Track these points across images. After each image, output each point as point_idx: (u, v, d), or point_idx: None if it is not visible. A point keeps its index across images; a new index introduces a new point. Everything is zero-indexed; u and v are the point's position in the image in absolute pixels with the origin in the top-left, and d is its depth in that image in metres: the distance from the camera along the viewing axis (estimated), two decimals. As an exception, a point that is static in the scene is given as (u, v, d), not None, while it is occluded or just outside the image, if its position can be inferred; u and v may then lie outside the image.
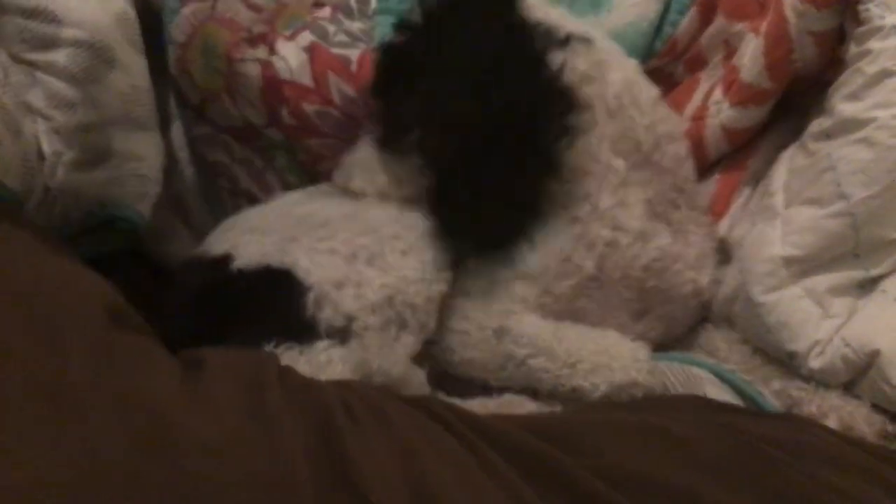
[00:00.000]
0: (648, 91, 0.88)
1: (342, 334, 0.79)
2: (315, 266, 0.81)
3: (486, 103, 0.79)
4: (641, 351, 0.81)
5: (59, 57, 0.87)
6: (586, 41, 0.84)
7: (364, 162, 0.88)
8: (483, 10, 0.83)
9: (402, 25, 0.87)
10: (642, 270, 0.86)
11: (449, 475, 0.54)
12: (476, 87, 0.79)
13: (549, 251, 0.84)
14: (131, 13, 0.92)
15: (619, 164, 0.84)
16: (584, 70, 0.83)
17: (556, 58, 0.81)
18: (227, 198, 1.05)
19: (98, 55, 0.87)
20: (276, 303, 0.80)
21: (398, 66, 0.86)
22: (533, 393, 0.82)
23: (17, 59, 0.87)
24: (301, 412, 0.56)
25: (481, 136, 0.79)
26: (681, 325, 0.92)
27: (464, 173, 0.81)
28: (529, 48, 0.81)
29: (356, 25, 0.98)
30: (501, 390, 0.83)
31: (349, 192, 0.90)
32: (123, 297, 0.65)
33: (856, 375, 0.79)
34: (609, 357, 0.79)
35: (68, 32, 0.87)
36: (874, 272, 0.79)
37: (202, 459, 0.49)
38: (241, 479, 0.49)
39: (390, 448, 0.56)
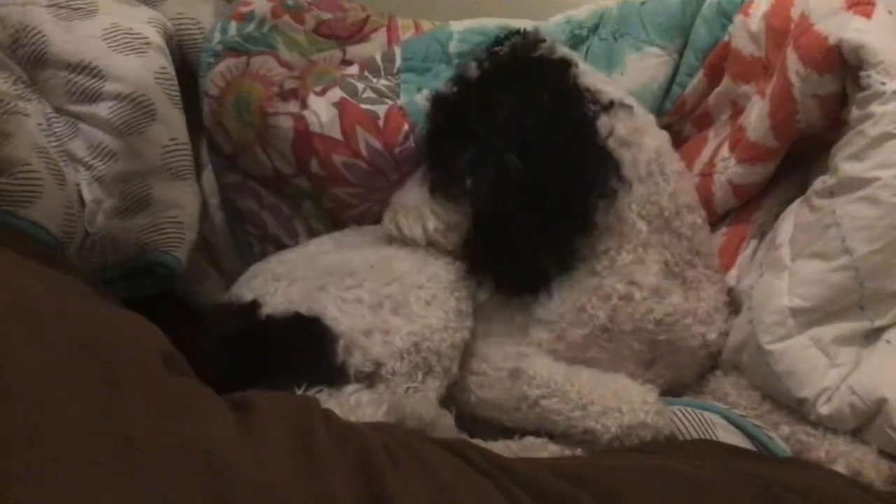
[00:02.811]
0: (675, 163, 0.93)
1: (369, 379, 0.83)
2: (343, 314, 0.84)
3: (538, 161, 0.83)
4: (651, 394, 0.84)
5: (102, 109, 0.91)
6: (628, 108, 0.89)
7: (415, 208, 0.92)
8: (538, 73, 0.88)
9: (457, 79, 0.91)
10: (654, 324, 0.89)
11: (486, 517, 0.57)
12: (531, 144, 0.84)
13: (565, 299, 0.88)
14: (170, 69, 0.97)
15: (643, 226, 0.88)
16: (624, 135, 0.88)
17: (603, 123, 0.86)
18: (256, 243, 1.09)
19: (139, 108, 0.92)
20: (305, 349, 0.83)
21: (451, 116, 0.90)
22: (549, 436, 0.84)
23: (60, 111, 0.92)
24: (345, 454, 0.58)
25: (526, 191, 0.83)
26: (690, 372, 0.95)
27: (504, 223, 0.85)
28: (581, 112, 0.86)
29: (382, 83, 1.02)
30: (520, 433, 0.85)
31: (383, 237, 0.94)
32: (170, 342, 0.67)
33: (863, 422, 0.82)
34: (619, 399, 0.82)
35: (111, 86, 0.92)
36: (878, 323, 0.83)
37: (256, 501, 0.51)
38: (293, 522, 0.51)
39: (429, 490, 0.58)
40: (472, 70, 0.90)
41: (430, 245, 0.91)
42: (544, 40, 0.91)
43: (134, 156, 0.91)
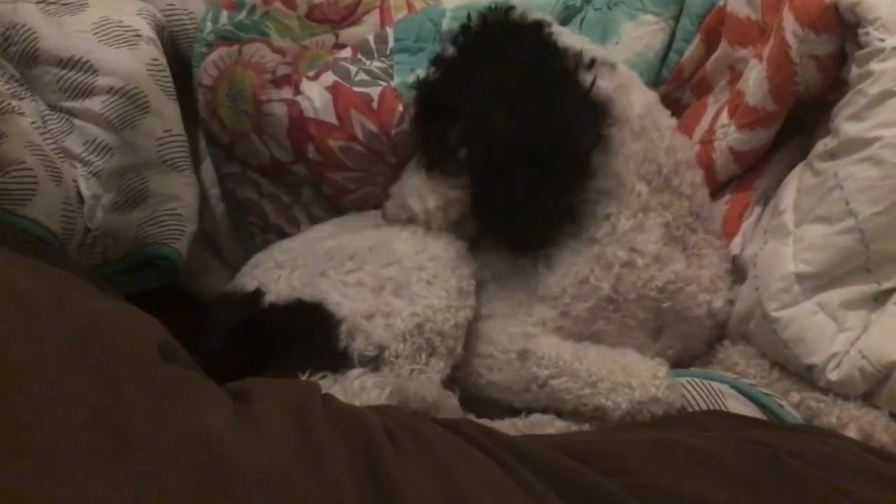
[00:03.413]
0: (667, 118, 0.92)
1: (374, 362, 0.83)
2: (345, 299, 0.84)
3: (525, 117, 0.83)
4: (661, 368, 0.83)
5: (95, 104, 0.91)
6: (610, 65, 0.88)
7: (415, 187, 0.91)
8: (514, 35, 0.88)
9: (436, 60, 0.91)
10: (657, 292, 0.88)
11: (489, 498, 0.57)
12: (515, 102, 0.83)
13: (566, 274, 0.88)
14: (162, 60, 0.96)
15: (643, 188, 0.87)
16: (609, 91, 0.86)
17: (585, 76, 0.85)
18: (258, 233, 1.09)
19: (132, 101, 0.92)
20: (309, 335, 0.84)
21: (437, 96, 0.90)
22: (557, 413, 0.85)
23: (54, 108, 0.92)
24: (345, 438, 0.58)
25: (519, 147, 0.83)
26: (698, 342, 0.95)
27: (506, 182, 0.84)
28: (561, 65, 0.85)
29: (375, 65, 1.02)
30: (528, 411, 0.85)
31: (379, 221, 0.94)
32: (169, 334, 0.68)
33: (873, 386, 0.81)
34: (629, 375, 0.82)
35: (103, 81, 0.92)
36: (886, 285, 0.82)
37: (256, 489, 0.51)
38: (292, 507, 0.51)
39: (431, 472, 0.58)
40: (449, 49, 0.90)
41: (430, 223, 0.91)
42: (514, 7, 0.90)
43: (129, 149, 0.91)
